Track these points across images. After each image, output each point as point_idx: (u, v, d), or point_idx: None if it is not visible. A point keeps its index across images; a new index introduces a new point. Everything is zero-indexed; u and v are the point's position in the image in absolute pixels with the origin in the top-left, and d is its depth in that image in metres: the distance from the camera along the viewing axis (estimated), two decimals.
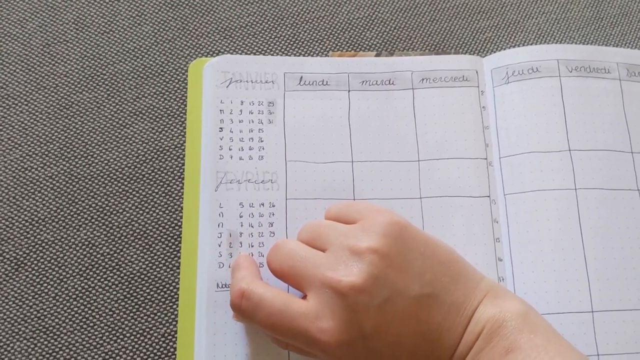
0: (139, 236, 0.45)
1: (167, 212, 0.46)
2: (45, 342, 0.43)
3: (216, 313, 0.42)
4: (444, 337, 0.37)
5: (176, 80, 0.49)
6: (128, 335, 0.43)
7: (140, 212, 0.46)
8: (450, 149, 0.47)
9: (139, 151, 0.47)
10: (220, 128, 0.46)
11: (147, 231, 0.45)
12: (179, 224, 0.46)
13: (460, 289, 0.38)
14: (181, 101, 0.48)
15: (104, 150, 0.47)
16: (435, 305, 0.37)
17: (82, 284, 0.44)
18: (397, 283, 0.37)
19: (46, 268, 0.44)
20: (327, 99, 0.48)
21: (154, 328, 0.43)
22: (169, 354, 0.43)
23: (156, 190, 0.46)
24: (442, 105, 0.48)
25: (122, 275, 0.44)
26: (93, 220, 0.45)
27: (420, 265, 0.38)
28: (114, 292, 0.44)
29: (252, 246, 0.44)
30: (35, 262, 0.44)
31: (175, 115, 0.48)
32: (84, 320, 0.43)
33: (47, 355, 0.42)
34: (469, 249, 0.44)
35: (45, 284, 0.44)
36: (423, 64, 0.49)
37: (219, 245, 0.44)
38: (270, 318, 0.37)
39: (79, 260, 0.44)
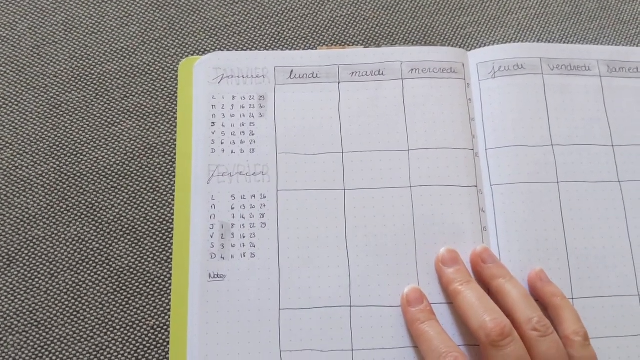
0: (128, 231, 0.46)
1: (155, 207, 0.47)
2: (37, 336, 0.44)
3: (209, 302, 0.43)
4: None
5: (163, 79, 0.50)
6: (118, 327, 0.44)
7: (129, 207, 0.47)
8: (439, 138, 0.47)
9: (128, 148, 0.48)
10: (212, 123, 0.47)
11: (136, 226, 0.46)
12: (167, 218, 0.47)
13: None
14: (168, 99, 0.49)
15: (93, 148, 0.48)
16: None
17: (73, 279, 0.45)
18: None
19: (37, 264, 0.45)
20: (317, 92, 0.48)
21: (143, 320, 0.44)
22: (158, 345, 0.44)
23: (144, 187, 0.47)
24: (431, 96, 0.48)
25: (111, 269, 0.45)
26: (83, 216, 0.46)
27: None
28: (104, 286, 0.45)
29: (243, 237, 0.45)
30: (26, 258, 0.45)
31: (163, 113, 0.49)
32: (74, 313, 0.44)
33: (40, 348, 0.43)
34: (458, 237, 0.45)
35: (37, 279, 0.45)
36: (412, 55, 0.49)
37: (211, 237, 0.45)
38: None
39: (69, 256, 0.45)
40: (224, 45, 0.51)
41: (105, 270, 0.45)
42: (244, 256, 0.44)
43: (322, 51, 0.50)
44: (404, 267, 0.44)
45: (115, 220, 0.46)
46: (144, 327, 0.44)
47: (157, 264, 0.46)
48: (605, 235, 0.46)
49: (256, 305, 0.43)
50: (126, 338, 0.44)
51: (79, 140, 0.48)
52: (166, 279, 0.45)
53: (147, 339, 0.44)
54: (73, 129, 0.48)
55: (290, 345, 0.43)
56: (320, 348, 0.43)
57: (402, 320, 0.43)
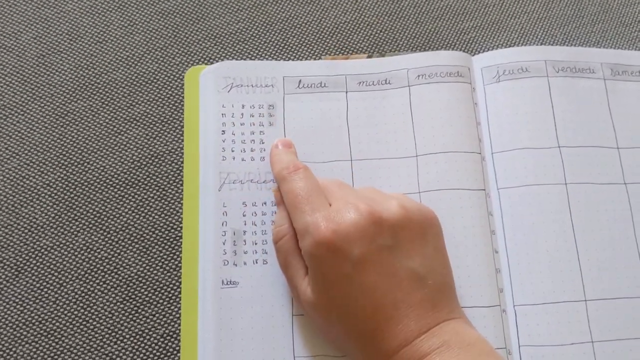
0: (136, 240, 0.46)
1: (162, 215, 0.47)
2: (47, 346, 0.44)
3: (222, 309, 0.43)
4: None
5: (169, 87, 0.50)
6: (128, 336, 0.44)
7: (137, 216, 0.47)
8: (447, 142, 0.47)
9: (134, 157, 0.48)
10: (223, 131, 0.48)
11: (144, 234, 0.46)
12: (175, 226, 0.47)
13: (445, 297, 0.40)
14: (174, 107, 0.49)
15: (99, 157, 0.48)
16: (419, 288, 0.38)
17: (82, 288, 0.45)
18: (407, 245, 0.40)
19: (46, 273, 0.45)
20: (325, 101, 0.49)
21: (152, 329, 0.44)
22: (169, 353, 0.44)
23: (152, 195, 0.47)
24: (438, 100, 0.48)
25: (120, 278, 0.45)
26: (91, 225, 0.46)
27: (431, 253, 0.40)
28: (113, 295, 0.45)
29: (255, 244, 0.45)
30: (35, 267, 0.45)
31: (169, 121, 0.49)
32: (84, 323, 0.44)
33: (50, 359, 0.43)
34: (468, 241, 0.45)
35: (46, 289, 0.45)
36: (418, 61, 0.50)
37: (224, 244, 0.45)
38: None
39: (78, 265, 0.45)
40: (228, 53, 0.51)
41: (113, 279, 0.45)
42: (257, 263, 0.44)
43: (329, 61, 0.50)
44: None
45: (123, 229, 0.46)
46: (154, 335, 0.44)
47: (165, 271, 0.46)
48: (614, 237, 0.46)
49: (269, 311, 0.43)
50: (136, 347, 0.44)
51: (85, 149, 0.48)
52: (175, 287, 0.45)
53: (157, 347, 0.44)
54: (79, 138, 0.48)
55: (304, 350, 0.43)
56: (334, 353, 0.43)
57: None
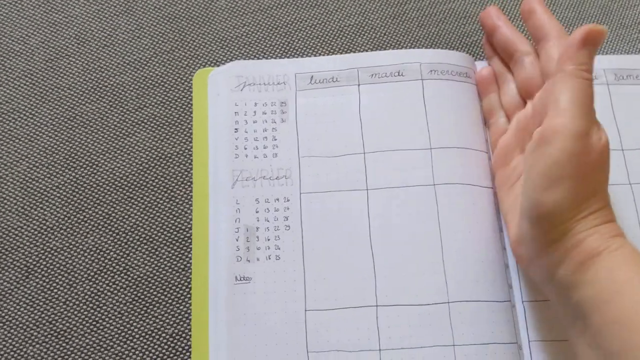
0: (144, 240, 0.46)
1: (171, 216, 0.47)
2: (58, 346, 0.44)
3: (235, 305, 0.44)
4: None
5: (176, 90, 0.50)
6: (137, 336, 0.44)
7: (146, 217, 0.47)
8: (460, 138, 0.48)
9: (143, 159, 0.48)
10: (236, 129, 0.48)
11: (153, 235, 0.47)
12: (183, 227, 0.47)
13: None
14: (182, 109, 0.50)
15: (108, 159, 0.48)
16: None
17: (92, 289, 0.45)
18: None
19: (56, 274, 0.45)
20: (337, 95, 0.49)
21: (162, 328, 0.44)
22: (178, 353, 0.44)
23: (160, 196, 0.48)
24: (449, 97, 0.49)
25: (129, 278, 0.45)
26: (100, 226, 0.47)
27: None
28: (123, 295, 0.45)
29: (268, 240, 0.45)
30: (45, 268, 0.45)
31: (177, 123, 0.49)
32: (94, 323, 0.44)
33: (60, 359, 0.43)
34: (478, 236, 0.45)
35: (56, 290, 0.45)
36: (430, 57, 0.50)
37: (237, 240, 0.45)
38: None
39: (87, 266, 0.46)
40: (234, 56, 0.52)
41: (123, 280, 0.45)
42: (269, 258, 0.45)
43: (341, 55, 0.51)
44: (430, 265, 0.45)
45: (132, 229, 0.47)
46: (163, 335, 0.44)
47: (174, 272, 0.46)
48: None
49: (282, 307, 0.44)
50: (146, 347, 0.44)
51: (94, 152, 0.48)
52: (184, 287, 0.45)
53: (166, 347, 0.44)
54: (88, 140, 0.49)
55: (317, 346, 0.43)
56: (348, 348, 0.43)
57: (429, 319, 0.44)
